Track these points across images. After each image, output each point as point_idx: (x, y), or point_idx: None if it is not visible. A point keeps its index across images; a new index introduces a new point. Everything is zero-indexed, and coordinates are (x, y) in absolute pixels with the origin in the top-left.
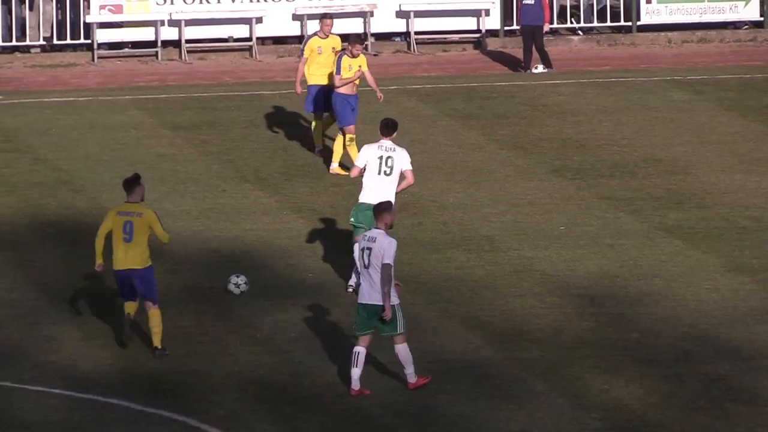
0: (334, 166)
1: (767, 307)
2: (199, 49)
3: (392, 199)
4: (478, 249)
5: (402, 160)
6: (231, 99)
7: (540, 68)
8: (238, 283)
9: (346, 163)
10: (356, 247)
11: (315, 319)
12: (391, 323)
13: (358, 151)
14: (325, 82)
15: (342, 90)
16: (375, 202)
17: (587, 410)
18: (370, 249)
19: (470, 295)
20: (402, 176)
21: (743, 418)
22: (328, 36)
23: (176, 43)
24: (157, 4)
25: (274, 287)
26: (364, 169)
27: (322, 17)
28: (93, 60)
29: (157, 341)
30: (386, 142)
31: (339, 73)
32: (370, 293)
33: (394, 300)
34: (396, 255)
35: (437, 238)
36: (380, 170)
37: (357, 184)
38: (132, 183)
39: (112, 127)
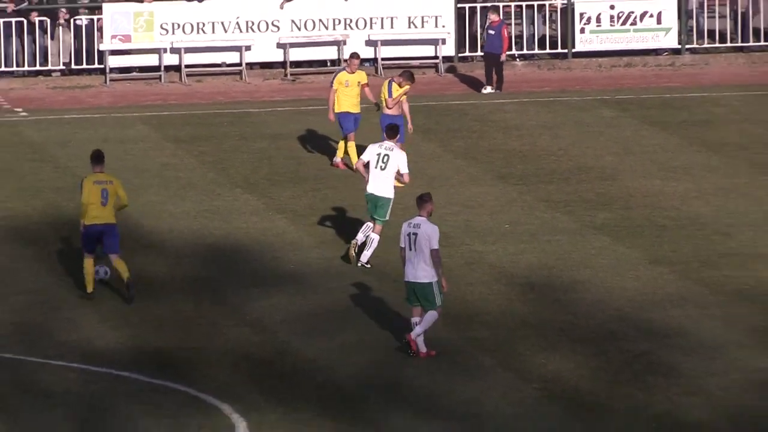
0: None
1: (682, 293)
2: (196, 72)
3: (390, 190)
4: None
5: (398, 159)
6: (224, 116)
7: (488, 89)
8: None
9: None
10: (402, 229)
11: (297, 303)
12: (432, 300)
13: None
14: (352, 110)
15: (390, 112)
16: (373, 191)
17: (528, 381)
18: (415, 234)
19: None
20: (398, 173)
21: (661, 388)
22: (354, 72)
23: (177, 68)
24: (161, 34)
25: (261, 277)
26: (368, 164)
27: (351, 56)
28: (105, 82)
29: (126, 276)
30: (388, 143)
31: (390, 96)
32: (413, 273)
33: (434, 278)
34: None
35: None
36: (377, 165)
37: (333, 188)
38: (101, 157)
39: (122, 140)
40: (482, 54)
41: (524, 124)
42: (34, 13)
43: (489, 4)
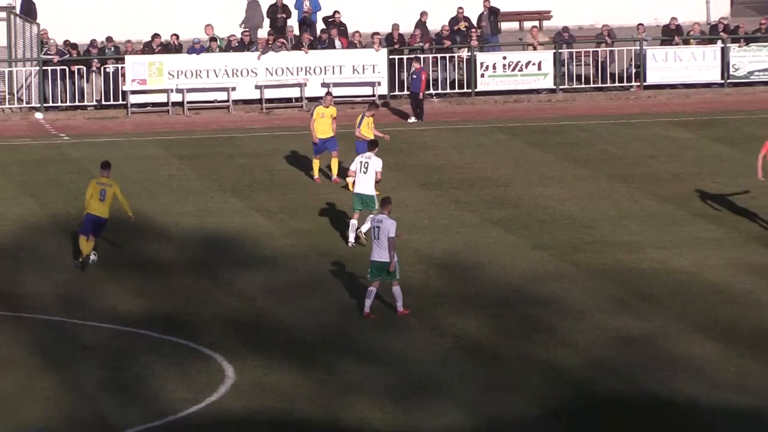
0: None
1: (558, 271)
2: (195, 107)
3: (371, 189)
4: None
5: (375, 163)
6: (216, 140)
7: (412, 119)
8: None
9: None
10: (371, 219)
11: (271, 279)
12: (392, 274)
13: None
14: (326, 135)
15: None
16: (359, 191)
17: (443, 337)
18: (378, 227)
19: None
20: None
21: (543, 342)
22: (328, 107)
23: (180, 104)
24: (168, 78)
25: (244, 259)
26: (354, 171)
27: (326, 95)
28: (127, 114)
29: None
30: (368, 153)
31: (359, 128)
32: (378, 254)
33: (395, 259)
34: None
35: (334, 225)
36: (360, 170)
37: (298, 194)
38: (108, 165)
39: (140, 157)
40: (408, 93)
41: (439, 145)
42: (74, 65)
43: (413, 56)
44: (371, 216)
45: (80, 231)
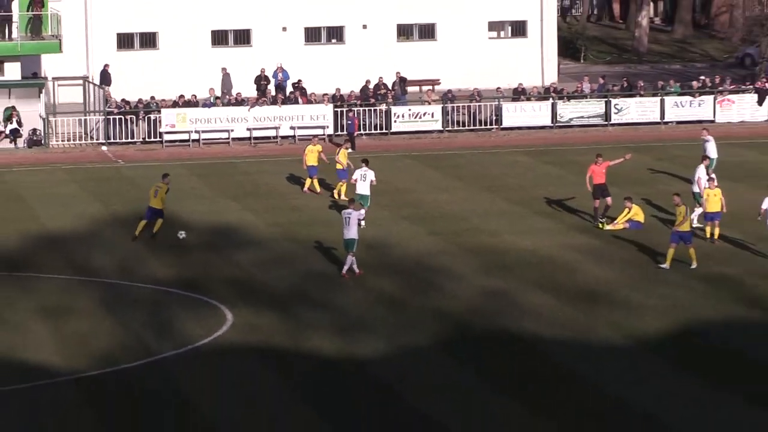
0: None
1: (446, 250)
2: (207, 142)
3: (368, 191)
4: (318, 225)
5: (371, 174)
6: (222, 164)
7: (350, 150)
8: (181, 233)
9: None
10: (343, 212)
11: (259, 255)
12: (352, 247)
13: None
14: (314, 164)
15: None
16: (360, 192)
17: (369, 293)
18: (348, 217)
19: (311, 246)
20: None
21: (435, 297)
22: (315, 145)
23: (198, 140)
24: (190, 122)
25: (240, 242)
26: (356, 179)
27: (314, 137)
28: (162, 147)
29: (156, 229)
30: (365, 167)
31: (337, 156)
32: (348, 234)
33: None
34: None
35: (300, 220)
36: (361, 179)
37: (279, 200)
38: (164, 175)
39: (172, 175)
40: (346, 132)
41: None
42: (127, 114)
43: (346, 109)
44: (344, 211)
45: (144, 217)
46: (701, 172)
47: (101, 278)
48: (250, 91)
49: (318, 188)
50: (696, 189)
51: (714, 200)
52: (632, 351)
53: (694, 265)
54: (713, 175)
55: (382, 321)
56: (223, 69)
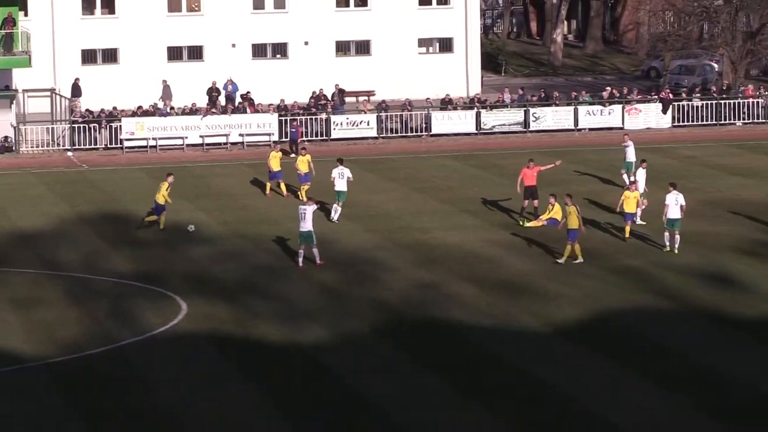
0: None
1: (382, 245)
2: (163, 148)
3: (345, 187)
4: (265, 223)
5: (347, 172)
6: (177, 167)
7: (293, 155)
8: (191, 227)
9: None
10: (299, 207)
11: (209, 250)
12: (311, 240)
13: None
14: (277, 168)
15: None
16: (338, 189)
17: (312, 284)
18: (304, 212)
19: (259, 242)
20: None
21: (372, 287)
22: (278, 152)
23: (155, 146)
24: (148, 130)
25: (193, 239)
26: (334, 177)
27: (275, 143)
28: (123, 153)
29: (154, 221)
30: (341, 166)
31: (297, 162)
32: (304, 227)
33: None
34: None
35: (248, 218)
36: (339, 177)
37: (229, 200)
38: (167, 174)
39: (130, 178)
40: (289, 139)
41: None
42: (91, 123)
43: (290, 118)
44: (300, 207)
45: (153, 210)
46: (640, 175)
47: (67, 272)
48: (203, 101)
49: (284, 191)
50: (640, 190)
51: (631, 202)
52: (550, 336)
53: (580, 260)
54: (633, 178)
55: (324, 310)
56: (164, 81)
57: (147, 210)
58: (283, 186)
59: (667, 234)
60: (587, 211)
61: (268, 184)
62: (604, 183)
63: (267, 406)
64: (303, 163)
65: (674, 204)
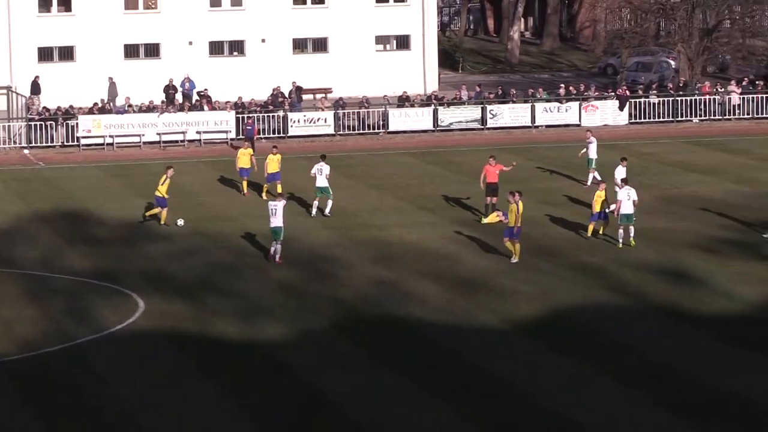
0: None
1: (338, 242)
2: (120, 146)
3: (326, 183)
4: (222, 220)
5: (326, 169)
6: (133, 165)
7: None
8: (179, 221)
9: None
10: (270, 204)
11: (166, 247)
12: (279, 236)
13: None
14: (246, 166)
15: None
16: (318, 185)
17: (271, 281)
18: (275, 208)
19: (216, 239)
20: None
21: (330, 284)
22: (247, 148)
23: (111, 144)
24: (105, 128)
25: (150, 235)
26: (314, 174)
27: (245, 139)
28: (80, 150)
29: (154, 214)
30: (322, 162)
31: (267, 162)
32: (275, 223)
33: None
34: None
35: (205, 216)
36: (318, 173)
37: (184, 197)
38: (168, 168)
39: (88, 176)
40: (246, 136)
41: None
42: (48, 121)
43: (245, 116)
44: (270, 203)
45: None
46: (618, 172)
47: (24, 270)
48: (160, 99)
49: (245, 189)
50: (617, 188)
51: (599, 202)
52: (509, 333)
53: (515, 260)
54: (599, 177)
55: (282, 307)
56: (110, 78)
57: (105, 207)
58: (245, 184)
59: (621, 230)
60: (544, 208)
61: (244, 182)
62: (562, 180)
63: (226, 403)
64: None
65: (627, 199)
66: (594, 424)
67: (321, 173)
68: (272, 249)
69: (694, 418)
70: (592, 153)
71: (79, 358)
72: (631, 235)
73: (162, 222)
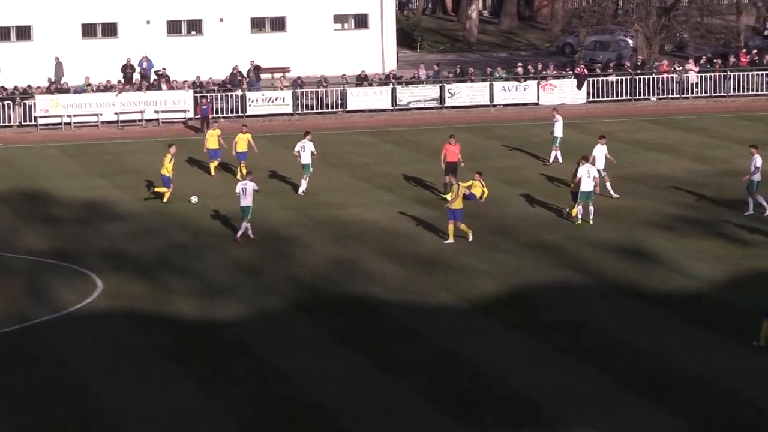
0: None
1: (297, 221)
2: (78, 125)
3: (309, 160)
4: (180, 200)
5: (310, 145)
6: (91, 145)
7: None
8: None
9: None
10: (239, 184)
11: (125, 227)
12: (247, 215)
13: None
14: (215, 147)
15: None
16: (303, 162)
17: (228, 261)
18: (244, 188)
19: (174, 219)
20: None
21: (287, 263)
22: (214, 129)
23: (69, 124)
24: (63, 108)
25: (109, 215)
26: (298, 151)
27: (213, 121)
28: (38, 130)
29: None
30: (305, 139)
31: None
32: (244, 201)
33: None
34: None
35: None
36: (300, 149)
37: (141, 176)
38: (170, 145)
39: (46, 156)
40: (200, 116)
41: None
42: (5, 100)
43: (201, 95)
44: (240, 183)
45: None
46: (597, 150)
47: None
48: (117, 78)
49: (213, 172)
50: (599, 166)
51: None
52: (467, 311)
53: (470, 238)
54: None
55: (240, 286)
56: (56, 58)
57: (63, 186)
58: (213, 165)
59: (580, 208)
60: (503, 187)
61: (212, 164)
62: (520, 158)
63: (184, 382)
64: (212, 138)
65: (587, 177)
66: (552, 400)
67: (304, 150)
68: (240, 231)
69: (652, 394)
70: (558, 131)
71: (38, 337)
72: (591, 215)
73: (165, 200)
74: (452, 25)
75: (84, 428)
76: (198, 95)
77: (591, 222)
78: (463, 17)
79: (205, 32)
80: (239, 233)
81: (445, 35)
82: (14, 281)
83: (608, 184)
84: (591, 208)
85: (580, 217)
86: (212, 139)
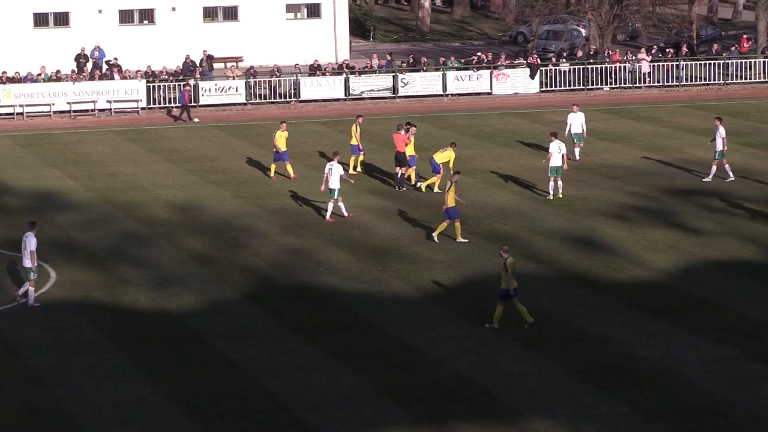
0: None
1: (250, 211)
2: (31, 115)
3: (338, 186)
4: (132, 190)
5: (339, 168)
6: (44, 135)
7: (196, 120)
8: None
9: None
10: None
11: (77, 217)
12: (334, 195)
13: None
14: (283, 149)
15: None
16: (331, 187)
17: (181, 251)
18: (331, 168)
19: (127, 209)
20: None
21: (241, 253)
22: (283, 131)
23: (22, 113)
24: (15, 98)
25: (61, 205)
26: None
27: (282, 122)
28: None
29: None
30: (334, 161)
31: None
32: (331, 184)
33: None
34: None
35: (115, 185)
36: (328, 172)
37: (94, 166)
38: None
39: None
40: (179, 103)
41: (177, 136)
42: None
43: (167, 84)
44: (328, 164)
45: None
46: (571, 118)
47: None
48: (69, 68)
49: (291, 173)
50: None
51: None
52: (421, 301)
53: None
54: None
55: (194, 276)
56: None
57: (15, 176)
58: (290, 168)
59: (551, 182)
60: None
61: (273, 166)
62: (472, 148)
63: (138, 373)
64: (281, 139)
65: (557, 152)
66: (505, 390)
67: (332, 173)
68: (329, 208)
69: (606, 383)
70: (576, 128)
71: None
72: (560, 189)
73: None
74: (405, 15)
75: (36, 418)
76: (151, 84)
77: (561, 196)
78: (415, 6)
79: (158, 21)
80: (328, 214)
81: (397, 24)
82: None
83: (577, 150)
84: (560, 182)
85: (551, 192)
86: (281, 140)
